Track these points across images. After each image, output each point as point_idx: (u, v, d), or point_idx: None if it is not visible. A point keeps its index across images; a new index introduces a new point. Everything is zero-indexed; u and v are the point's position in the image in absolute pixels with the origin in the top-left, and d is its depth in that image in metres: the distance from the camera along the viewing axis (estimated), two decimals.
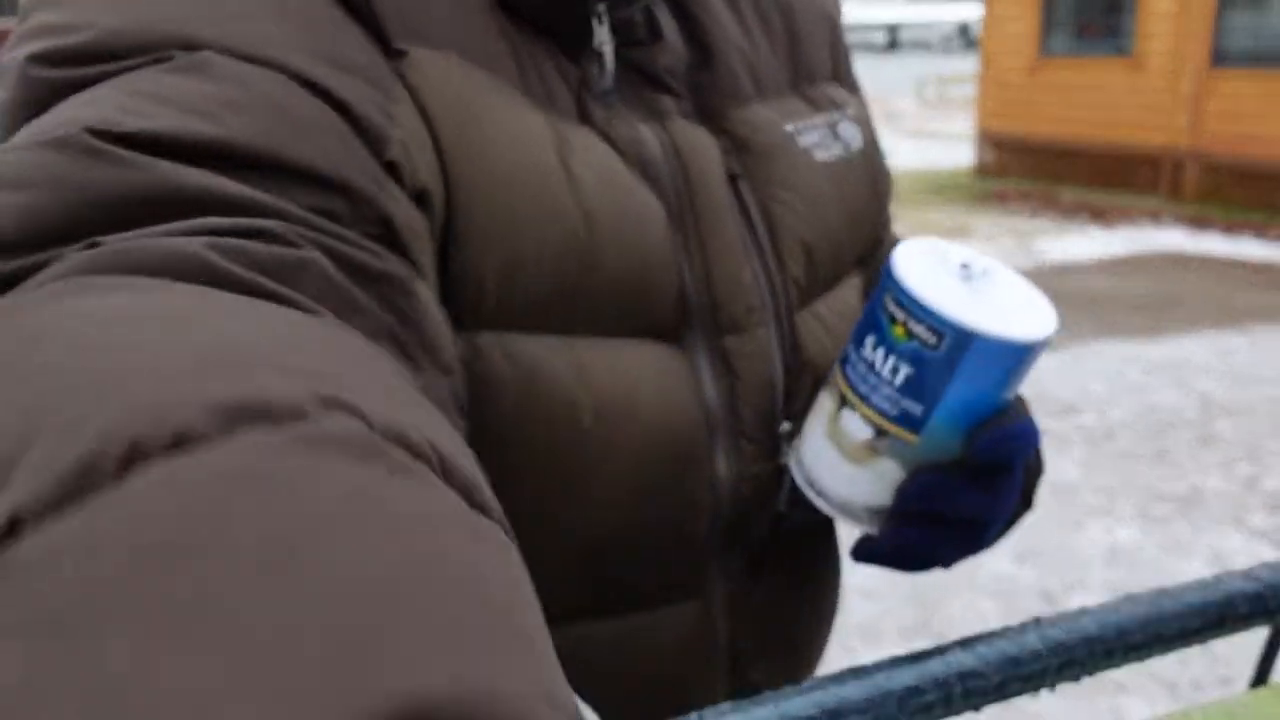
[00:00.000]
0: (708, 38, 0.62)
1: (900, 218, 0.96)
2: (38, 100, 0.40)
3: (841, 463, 0.55)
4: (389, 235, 0.41)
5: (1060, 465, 3.67)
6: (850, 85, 0.72)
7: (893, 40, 38.33)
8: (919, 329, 0.51)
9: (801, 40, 0.68)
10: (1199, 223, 8.37)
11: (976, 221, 8.53)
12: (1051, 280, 6.18)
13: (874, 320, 0.54)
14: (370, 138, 0.43)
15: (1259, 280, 6.66)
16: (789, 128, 0.63)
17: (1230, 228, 8.14)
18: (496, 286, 0.49)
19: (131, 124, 0.36)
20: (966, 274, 0.53)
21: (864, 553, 0.57)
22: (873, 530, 0.56)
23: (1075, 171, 10.19)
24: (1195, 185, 9.06)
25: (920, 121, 16.54)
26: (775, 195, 0.61)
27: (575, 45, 0.56)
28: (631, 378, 0.54)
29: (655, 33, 0.59)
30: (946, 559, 0.57)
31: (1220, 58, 8.76)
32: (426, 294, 0.42)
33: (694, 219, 0.57)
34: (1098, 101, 9.78)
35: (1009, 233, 8.11)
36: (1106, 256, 7.38)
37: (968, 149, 11.86)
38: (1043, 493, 0.72)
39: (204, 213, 0.35)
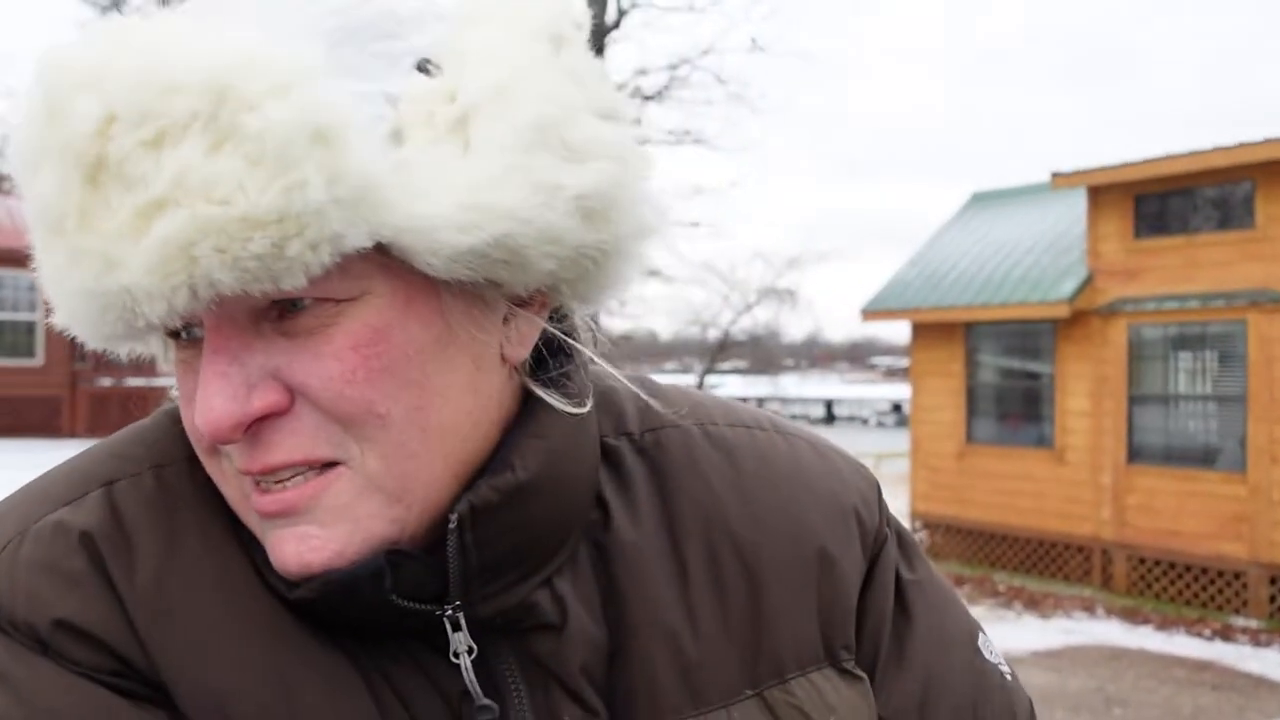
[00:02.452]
0: (628, 620, 0.50)
1: None
2: None
3: None
4: None
5: None
6: (871, 648, 0.57)
7: (830, 414, 40.22)
8: None
9: (770, 621, 0.54)
10: (1132, 615, 8.37)
11: None
12: None
13: None
14: None
15: (1200, 680, 6.54)
16: None
17: (1164, 623, 8.13)
18: None
19: None
20: None
21: None
22: None
23: (1008, 557, 10.30)
24: (1125, 577, 9.16)
25: None
26: None
27: (440, 656, 0.49)
28: None
29: (563, 619, 0.50)
30: None
31: (1135, 454, 9.17)
32: None
33: None
34: (1025, 489, 10.08)
35: None
36: (1043, 648, 7.27)
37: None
38: None
39: None
